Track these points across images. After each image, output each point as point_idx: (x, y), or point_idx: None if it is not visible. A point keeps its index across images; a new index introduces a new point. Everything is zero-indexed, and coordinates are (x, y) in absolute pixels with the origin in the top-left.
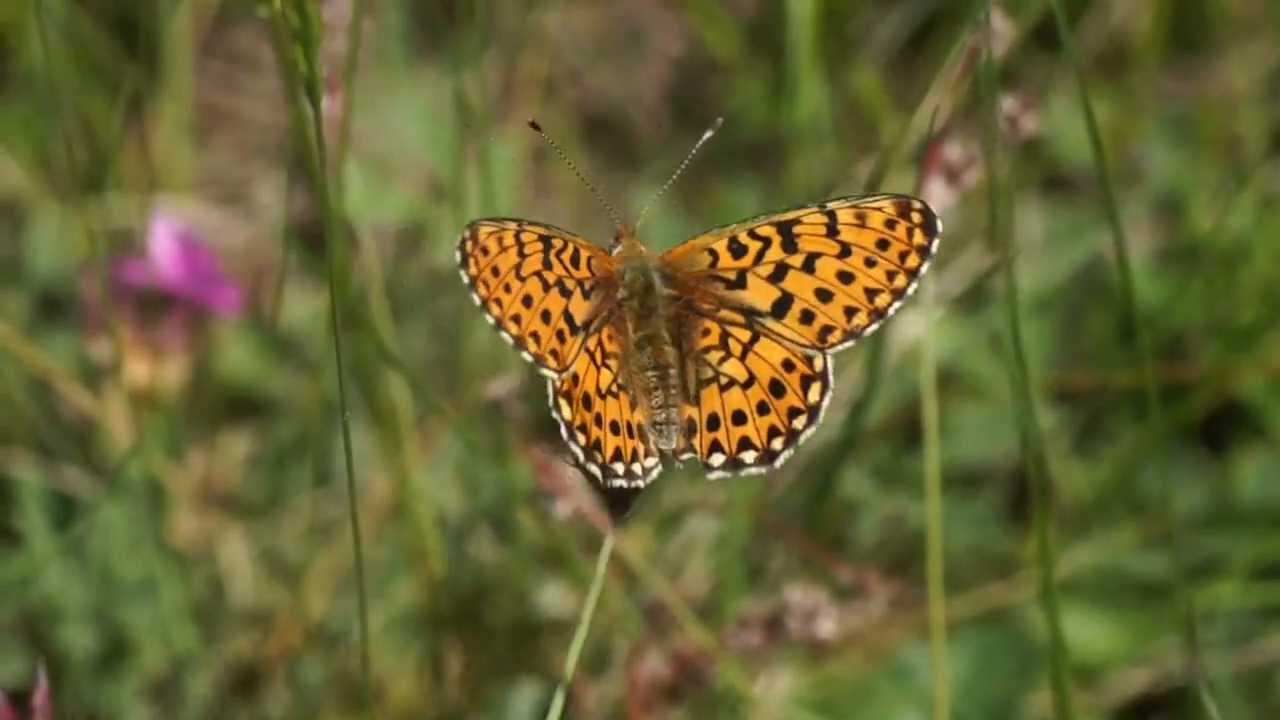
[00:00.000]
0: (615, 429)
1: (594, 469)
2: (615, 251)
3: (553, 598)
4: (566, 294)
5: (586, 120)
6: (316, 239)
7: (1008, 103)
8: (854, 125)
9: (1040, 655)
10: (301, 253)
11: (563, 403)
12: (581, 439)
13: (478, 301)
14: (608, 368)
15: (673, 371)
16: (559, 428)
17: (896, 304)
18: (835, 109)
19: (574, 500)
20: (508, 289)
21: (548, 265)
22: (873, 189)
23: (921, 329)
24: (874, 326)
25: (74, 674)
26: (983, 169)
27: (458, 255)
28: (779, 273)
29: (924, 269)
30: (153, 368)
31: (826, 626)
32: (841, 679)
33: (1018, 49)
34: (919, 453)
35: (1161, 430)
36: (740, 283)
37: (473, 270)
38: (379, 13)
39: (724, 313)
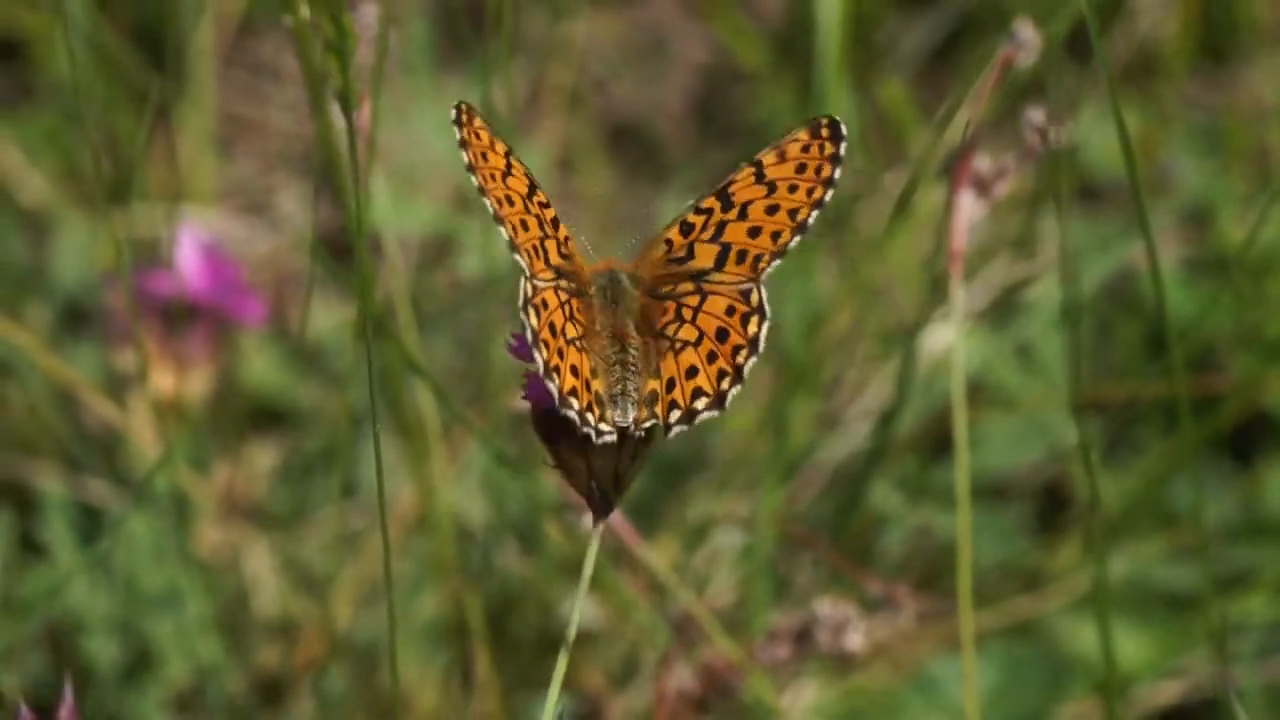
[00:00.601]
0: (575, 372)
1: (552, 388)
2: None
3: (580, 609)
4: (543, 230)
5: (611, 130)
6: (341, 250)
7: (1037, 113)
8: (880, 135)
9: (1069, 668)
10: (327, 263)
11: (530, 311)
12: (541, 354)
13: (466, 161)
14: (575, 323)
15: (634, 353)
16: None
17: (814, 213)
18: (862, 119)
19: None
20: (492, 178)
21: (530, 198)
22: (904, 203)
23: (950, 340)
24: (796, 238)
25: (99, 685)
26: (1015, 180)
27: (452, 113)
28: (719, 230)
29: (837, 173)
30: (178, 379)
31: (855, 639)
32: (868, 691)
33: (1046, 60)
34: (946, 464)
35: (1192, 442)
36: (689, 254)
37: (465, 134)
38: (403, 23)
39: (678, 288)
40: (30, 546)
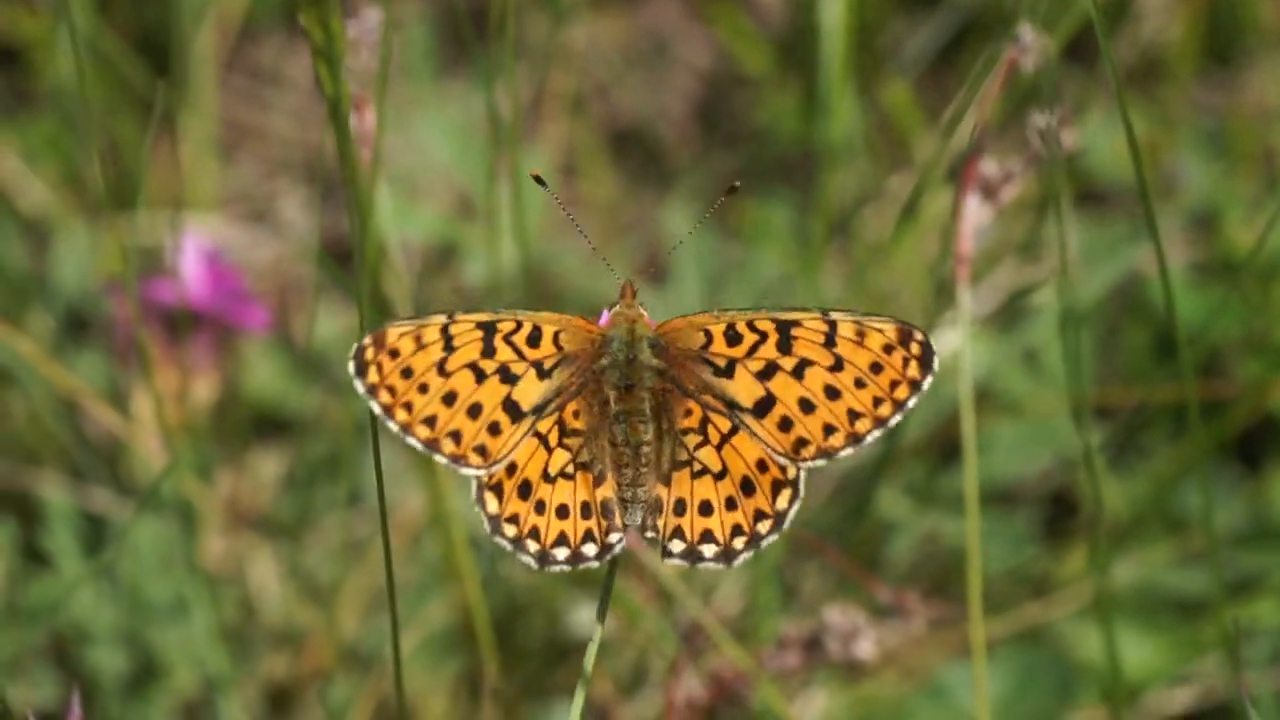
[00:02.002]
0: (564, 513)
1: (527, 559)
2: (612, 311)
3: (586, 618)
4: (511, 380)
5: (614, 135)
6: (344, 256)
7: (1043, 118)
8: (885, 139)
9: (1079, 674)
10: (332, 270)
11: (488, 496)
12: (510, 530)
13: (378, 409)
14: (565, 447)
15: (647, 448)
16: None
17: (876, 432)
18: (866, 123)
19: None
20: (423, 389)
21: (488, 353)
22: (910, 207)
23: (957, 345)
24: (848, 450)
25: (105, 696)
26: (1021, 184)
27: (351, 365)
28: (768, 371)
29: (911, 403)
30: (181, 387)
31: (865, 647)
32: (878, 699)
33: (1051, 63)
34: (953, 471)
35: (1202, 447)
36: (729, 371)
37: (372, 379)
38: (404, 28)
39: (707, 397)
40: (34, 556)
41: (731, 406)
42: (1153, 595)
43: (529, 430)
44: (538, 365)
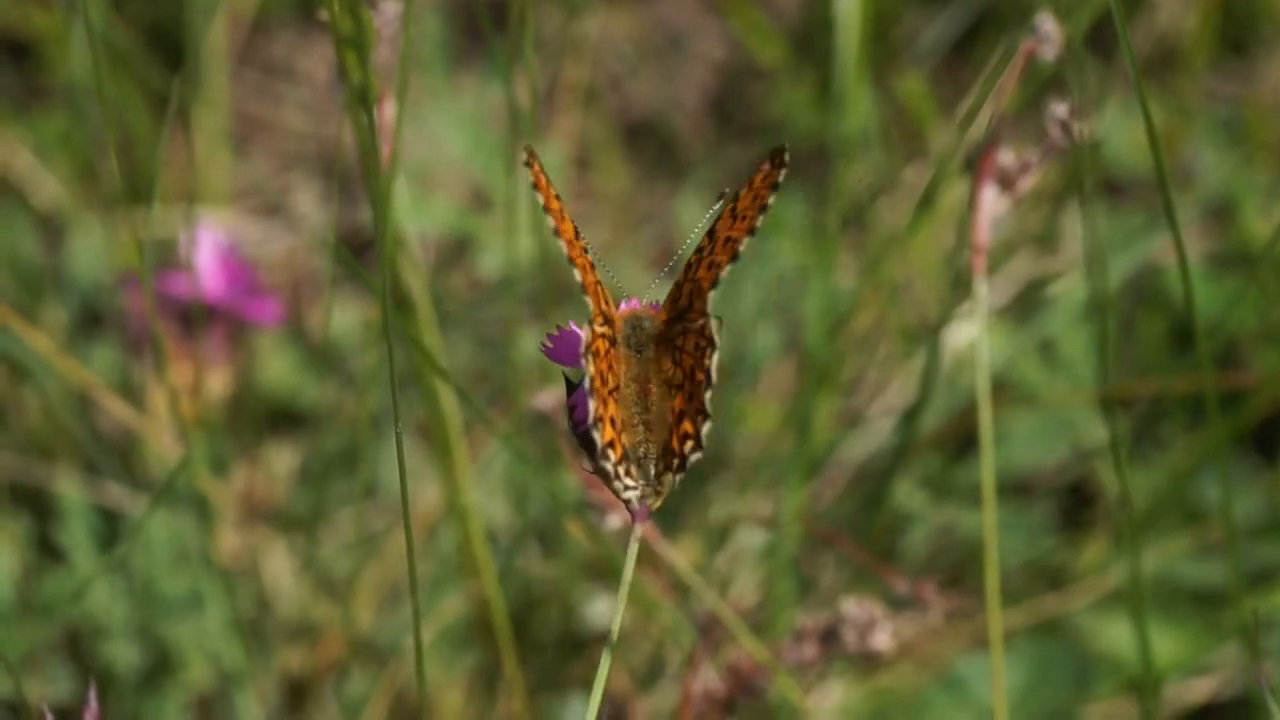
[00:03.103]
0: (614, 424)
1: (597, 438)
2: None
3: (602, 610)
4: (599, 291)
5: (628, 127)
6: (357, 249)
7: (1060, 107)
8: (900, 130)
9: (1096, 666)
10: (345, 263)
11: (590, 358)
12: (594, 403)
13: (540, 200)
14: (613, 374)
15: (653, 411)
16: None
17: (748, 239)
18: (881, 114)
19: (622, 512)
20: (561, 216)
21: (585, 252)
22: (927, 198)
23: (974, 336)
24: (728, 268)
25: (120, 691)
26: (1038, 175)
27: (524, 155)
28: (699, 267)
29: (770, 201)
30: (195, 381)
31: (882, 639)
32: (895, 691)
33: (1069, 53)
34: (970, 462)
35: (1220, 438)
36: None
37: (535, 176)
38: (418, 20)
39: (688, 338)
40: (49, 551)
41: (683, 319)
42: (1171, 586)
43: (605, 328)
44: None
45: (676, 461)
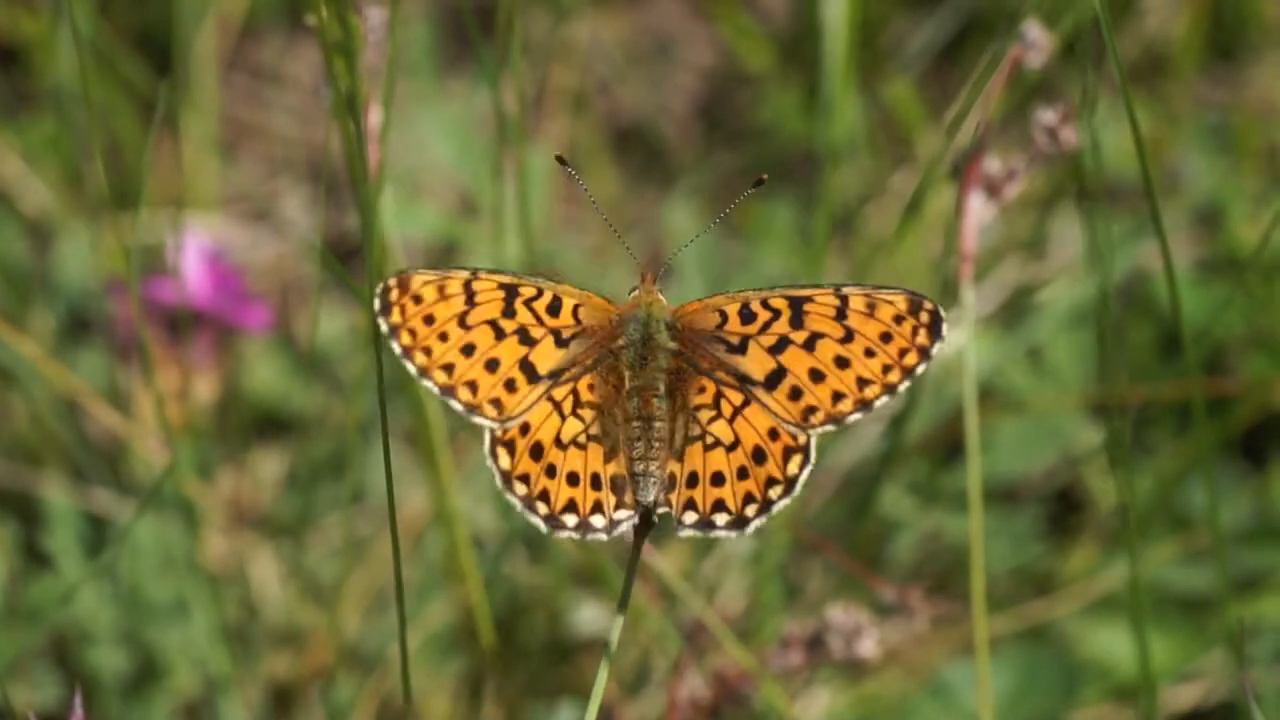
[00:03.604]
0: (574, 480)
1: (536, 520)
2: (631, 296)
3: (588, 617)
4: (529, 342)
5: (616, 132)
6: (345, 255)
7: (1047, 114)
8: (887, 136)
9: (1083, 672)
10: (335, 269)
11: (501, 451)
12: (521, 489)
13: (398, 350)
14: (578, 418)
15: (660, 425)
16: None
17: (884, 399)
18: (869, 120)
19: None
20: (443, 338)
21: (509, 314)
22: (914, 205)
23: (961, 343)
24: (857, 415)
25: (106, 697)
26: (1025, 182)
27: (377, 303)
28: (780, 345)
29: (920, 370)
30: (182, 387)
31: (868, 646)
32: (881, 697)
33: (1054, 60)
34: (957, 469)
35: (1207, 444)
36: (741, 348)
37: (395, 319)
38: (406, 25)
39: (720, 374)
40: (35, 557)
41: (743, 380)
42: (1159, 592)
43: (544, 394)
44: (556, 333)
45: (696, 518)
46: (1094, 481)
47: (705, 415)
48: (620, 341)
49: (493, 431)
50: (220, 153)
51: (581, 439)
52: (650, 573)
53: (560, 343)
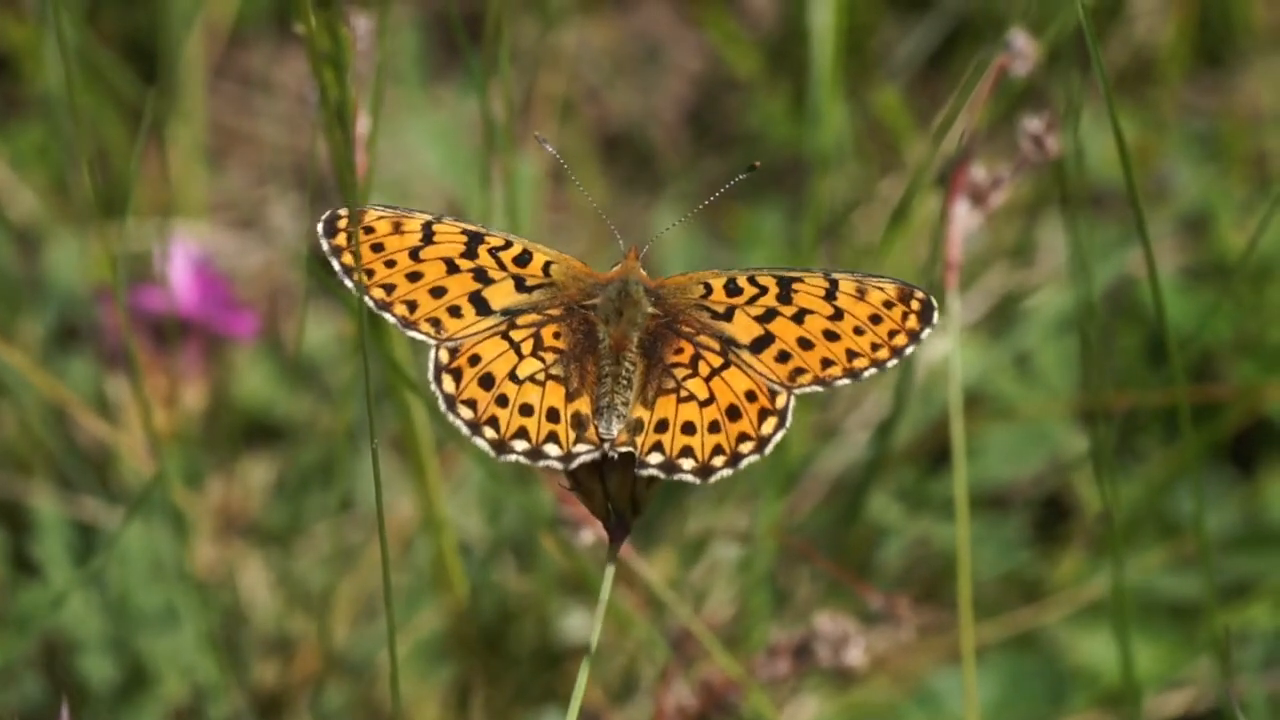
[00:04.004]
0: (527, 411)
1: (483, 444)
2: (614, 267)
3: (577, 624)
4: (485, 280)
5: (605, 139)
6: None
7: (1032, 122)
8: (875, 143)
9: (1070, 679)
10: (321, 276)
11: (446, 377)
12: (467, 413)
13: (337, 268)
14: (538, 358)
15: (630, 370)
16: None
17: (872, 371)
18: (856, 127)
19: (596, 527)
20: (390, 264)
21: (468, 255)
22: (901, 212)
23: (948, 350)
24: (844, 381)
25: (94, 705)
26: (1011, 189)
27: (320, 226)
28: (767, 316)
29: (909, 351)
30: (170, 394)
31: (855, 655)
32: (868, 705)
33: (1041, 67)
34: (945, 475)
35: (1195, 450)
36: (727, 316)
37: (339, 241)
38: (393, 33)
39: (702, 337)
40: (23, 565)
41: (727, 343)
42: (1146, 599)
43: (497, 330)
44: (518, 279)
45: (661, 459)
46: (1082, 488)
47: (681, 373)
48: (595, 300)
49: (437, 358)
50: (208, 160)
51: (540, 376)
52: (637, 580)
53: (522, 288)
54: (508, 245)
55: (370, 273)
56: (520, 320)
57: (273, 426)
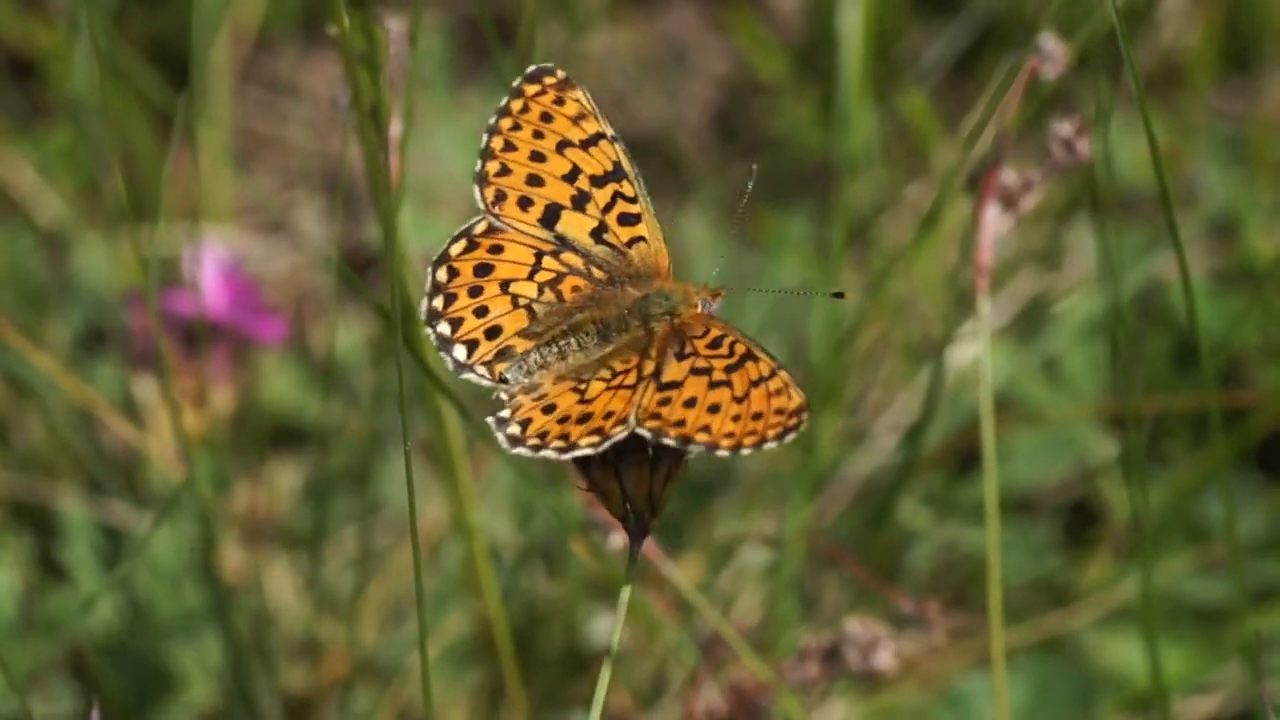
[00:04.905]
0: (481, 313)
1: (434, 333)
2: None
3: (605, 628)
4: (577, 204)
5: (631, 143)
6: (360, 266)
7: (1063, 126)
8: (902, 148)
9: (1100, 683)
10: (352, 280)
11: (460, 243)
12: (446, 285)
13: (508, 121)
14: (539, 290)
15: (616, 339)
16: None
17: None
18: (884, 131)
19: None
20: (536, 157)
21: (598, 182)
22: (931, 218)
23: (977, 354)
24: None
25: (122, 710)
26: (1041, 193)
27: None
28: (700, 371)
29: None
30: (198, 398)
31: (885, 659)
32: (897, 709)
33: (1070, 71)
34: (973, 480)
35: (1223, 455)
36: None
37: (522, 99)
38: (421, 37)
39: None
40: (52, 569)
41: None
42: (1174, 604)
43: (537, 242)
44: (599, 229)
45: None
46: (1110, 493)
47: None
48: (614, 291)
49: (471, 227)
50: (235, 164)
51: (522, 303)
52: (666, 584)
53: (597, 239)
54: (633, 201)
55: (516, 126)
56: (563, 255)
57: (300, 430)
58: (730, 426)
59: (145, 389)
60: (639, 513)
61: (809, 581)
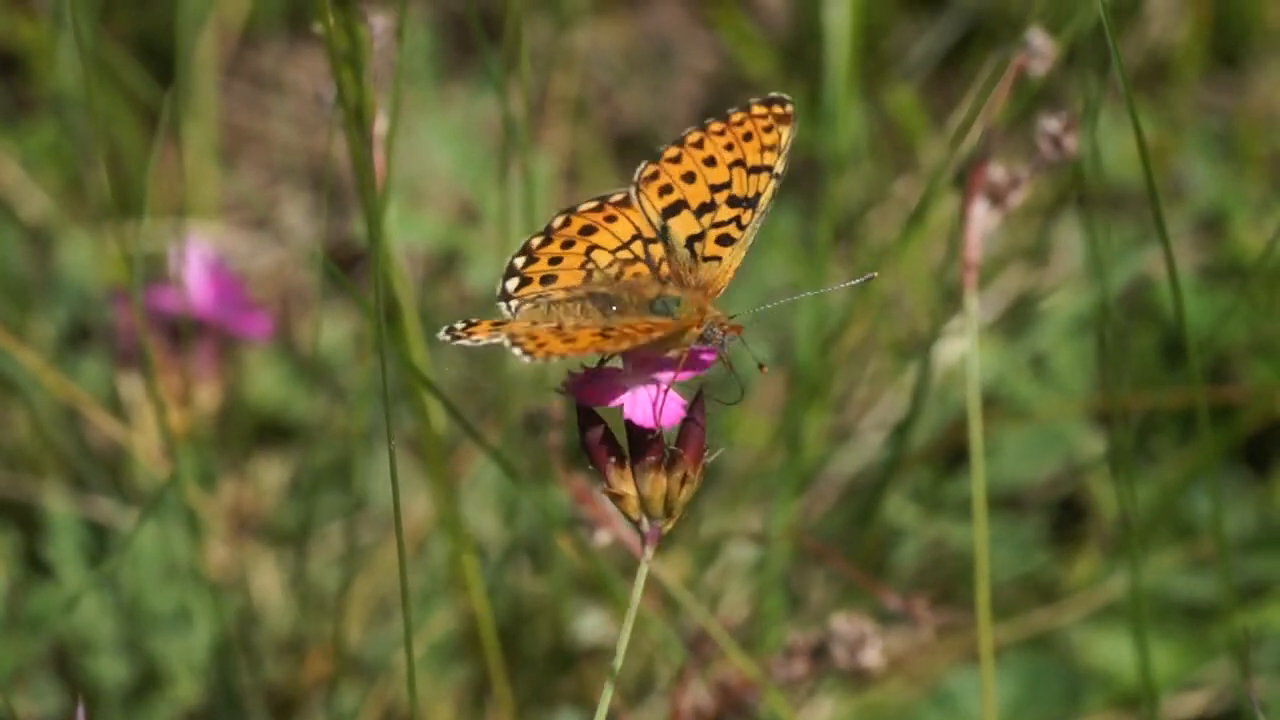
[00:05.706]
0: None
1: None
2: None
3: (591, 625)
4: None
5: (617, 139)
6: (346, 262)
7: (1051, 122)
8: (890, 144)
9: (1087, 680)
10: (337, 277)
11: (560, 217)
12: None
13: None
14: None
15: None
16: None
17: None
18: (871, 127)
19: (612, 528)
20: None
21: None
22: (918, 214)
23: (964, 351)
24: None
25: (108, 706)
26: (1028, 189)
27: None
28: None
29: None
30: (183, 395)
31: (872, 656)
32: (885, 706)
33: (1058, 67)
34: (960, 476)
35: (1211, 452)
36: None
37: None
38: (407, 33)
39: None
40: (37, 566)
41: None
42: (1162, 600)
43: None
44: (651, 262)
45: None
46: (1098, 490)
47: None
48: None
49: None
50: (221, 160)
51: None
52: (653, 581)
53: (655, 275)
54: (742, 229)
55: (721, 132)
56: (651, 247)
57: (285, 427)
58: None
59: (130, 385)
60: (653, 516)
61: (796, 578)
